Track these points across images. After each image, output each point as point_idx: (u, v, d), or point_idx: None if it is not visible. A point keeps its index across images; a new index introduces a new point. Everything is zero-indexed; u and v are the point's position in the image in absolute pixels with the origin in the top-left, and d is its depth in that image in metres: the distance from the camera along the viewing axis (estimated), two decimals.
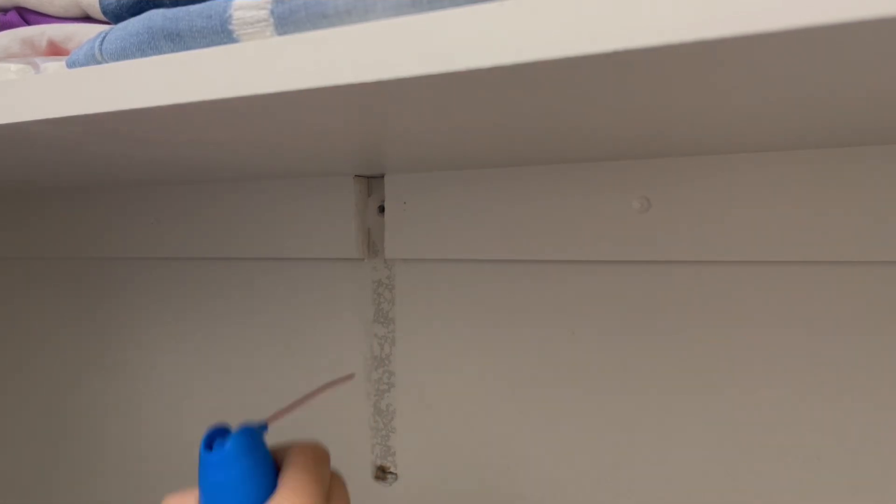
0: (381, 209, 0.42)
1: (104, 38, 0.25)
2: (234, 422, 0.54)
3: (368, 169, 0.40)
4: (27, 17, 0.34)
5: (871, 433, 0.32)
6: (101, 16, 0.31)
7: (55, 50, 0.33)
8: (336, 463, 0.45)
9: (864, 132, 0.27)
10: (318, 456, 0.25)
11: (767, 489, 0.34)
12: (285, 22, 0.21)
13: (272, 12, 0.21)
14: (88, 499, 0.55)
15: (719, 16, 0.14)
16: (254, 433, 0.24)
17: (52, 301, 0.56)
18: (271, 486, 0.23)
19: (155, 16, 0.24)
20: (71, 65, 0.26)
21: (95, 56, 0.25)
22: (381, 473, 0.44)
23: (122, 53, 0.24)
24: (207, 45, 0.22)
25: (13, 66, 0.29)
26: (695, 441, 0.35)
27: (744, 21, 0.14)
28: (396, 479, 0.43)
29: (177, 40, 0.23)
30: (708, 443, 0.35)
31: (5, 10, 0.35)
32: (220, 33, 0.22)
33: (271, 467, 0.24)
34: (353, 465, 0.44)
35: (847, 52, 0.16)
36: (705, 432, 0.35)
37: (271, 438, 0.24)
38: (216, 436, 0.24)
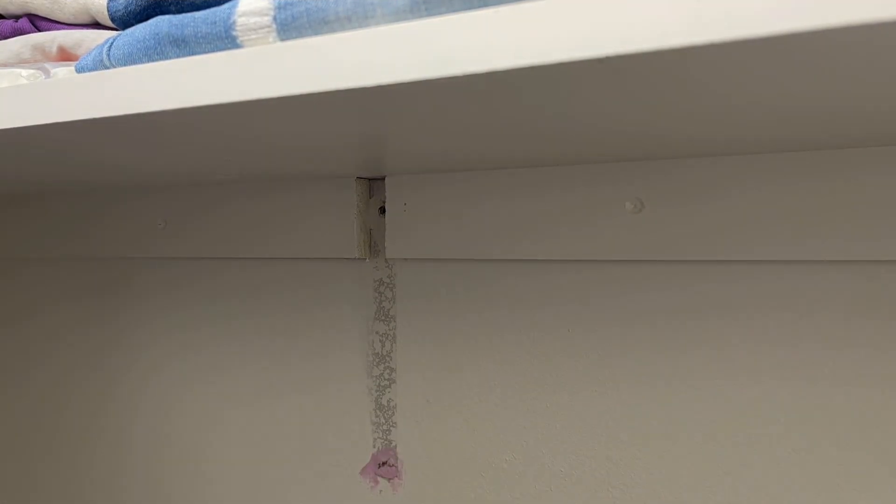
0: (382, 210, 0.43)
1: (112, 43, 0.26)
2: (238, 417, 0.55)
3: (370, 171, 0.40)
4: (38, 23, 0.35)
5: (870, 432, 0.32)
6: (109, 22, 0.32)
7: (65, 55, 0.33)
8: (338, 457, 0.46)
9: (858, 135, 0.28)
10: None
11: (766, 488, 0.34)
12: (287, 28, 0.22)
13: (275, 18, 0.22)
14: (91, 498, 0.55)
15: (710, 21, 0.15)
16: None
17: (59, 300, 0.57)
18: None
19: (161, 22, 0.24)
20: (80, 70, 0.27)
21: (104, 61, 0.26)
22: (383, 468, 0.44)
23: (130, 59, 0.25)
24: (212, 51, 0.22)
25: (24, 72, 0.30)
26: (692, 440, 0.36)
27: (734, 26, 0.15)
28: (398, 473, 0.43)
29: (182, 46, 0.24)
30: (705, 442, 0.35)
31: (17, 17, 0.36)
32: (225, 39, 0.23)
33: None
34: (354, 460, 0.45)
35: (839, 56, 0.16)
36: (701, 431, 0.35)
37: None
38: None
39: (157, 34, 0.24)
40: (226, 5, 0.23)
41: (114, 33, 0.29)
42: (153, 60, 0.24)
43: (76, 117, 0.23)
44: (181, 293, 0.51)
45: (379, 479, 0.44)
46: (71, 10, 0.34)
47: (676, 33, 0.15)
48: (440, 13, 0.19)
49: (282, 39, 0.22)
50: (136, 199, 0.50)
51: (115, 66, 0.25)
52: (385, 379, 0.44)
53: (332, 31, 0.21)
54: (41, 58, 0.33)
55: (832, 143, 0.30)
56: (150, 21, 0.25)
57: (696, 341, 0.35)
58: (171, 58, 0.23)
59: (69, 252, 0.54)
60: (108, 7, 0.26)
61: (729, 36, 0.15)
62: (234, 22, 0.23)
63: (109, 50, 0.25)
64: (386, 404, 0.44)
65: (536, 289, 0.39)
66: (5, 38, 0.36)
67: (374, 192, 0.43)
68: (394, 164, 0.37)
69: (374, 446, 0.44)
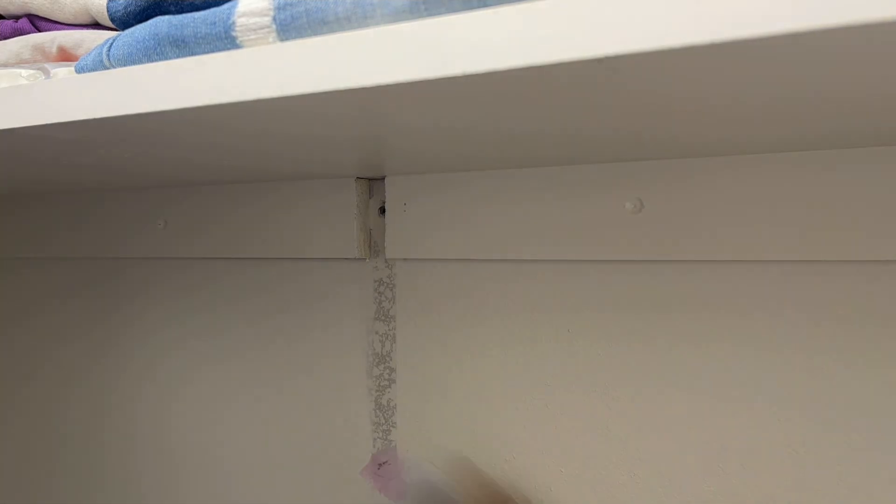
0: (382, 210, 0.43)
1: (112, 44, 0.26)
2: (238, 417, 0.55)
3: (370, 171, 0.41)
4: (38, 23, 0.35)
5: (870, 432, 0.32)
6: (109, 22, 0.32)
7: (65, 56, 0.34)
8: (338, 458, 0.46)
9: (858, 135, 0.28)
10: None
11: (766, 486, 0.34)
12: (287, 28, 0.22)
13: (274, 19, 0.22)
14: (93, 499, 0.55)
15: (710, 21, 0.15)
16: None
17: (59, 300, 0.57)
18: None
19: (161, 23, 0.24)
20: (80, 70, 0.27)
21: (103, 62, 0.26)
22: None
23: (130, 59, 0.25)
24: (212, 51, 0.22)
25: (24, 72, 0.30)
26: (692, 439, 0.36)
27: (734, 26, 0.15)
28: (398, 473, 0.43)
29: (182, 46, 0.24)
30: (705, 441, 0.35)
31: (17, 17, 0.36)
32: (224, 39, 0.23)
33: None
34: (354, 460, 0.45)
35: (839, 56, 0.16)
36: (701, 431, 0.35)
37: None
38: None
39: (157, 35, 0.24)
40: (225, 6, 0.23)
41: (114, 33, 0.29)
42: (153, 61, 0.24)
43: (76, 117, 0.23)
44: (181, 293, 0.51)
45: (379, 478, 0.44)
46: (71, 11, 0.34)
47: (676, 33, 0.15)
48: (440, 13, 0.19)
49: (281, 40, 0.22)
50: (136, 199, 0.51)
51: (114, 67, 0.25)
52: (385, 379, 0.44)
53: (332, 31, 0.21)
54: (41, 58, 0.33)
55: (832, 143, 0.30)
56: (150, 21, 0.25)
57: (696, 341, 0.35)
58: (170, 58, 0.23)
59: (69, 252, 0.54)
60: (107, 7, 0.27)
61: (729, 36, 0.15)
62: (233, 22, 0.23)
63: (109, 50, 0.25)
64: (386, 404, 0.44)
65: (536, 289, 0.39)
66: (5, 38, 0.36)
67: (374, 192, 0.43)
68: (394, 164, 0.37)
69: (374, 446, 0.44)
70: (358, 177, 0.42)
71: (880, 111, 0.23)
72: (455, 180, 0.40)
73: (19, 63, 0.34)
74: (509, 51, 0.17)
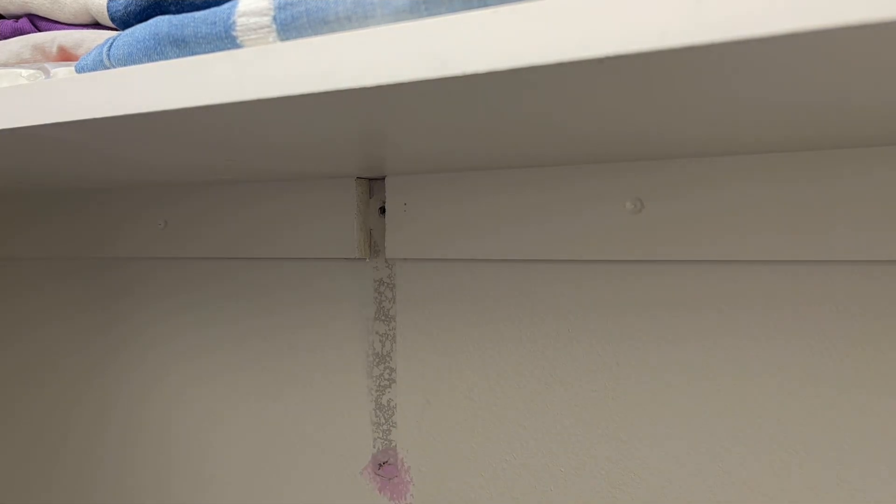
0: (382, 210, 0.43)
1: (112, 43, 0.26)
2: (238, 417, 0.55)
3: (370, 171, 0.41)
4: (38, 23, 0.35)
5: (870, 432, 0.32)
6: (109, 22, 0.32)
7: (65, 55, 0.34)
8: (338, 458, 0.46)
9: (858, 135, 0.28)
10: None
11: (765, 486, 0.34)
12: (287, 28, 0.22)
13: (275, 18, 0.22)
14: (93, 498, 0.55)
15: (710, 21, 0.15)
16: None
17: (59, 300, 0.57)
18: None
19: (161, 22, 0.24)
20: (80, 70, 0.27)
21: (104, 61, 0.26)
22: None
23: (130, 59, 0.25)
24: (212, 51, 0.22)
25: (24, 72, 0.30)
26: (692, 440, 0.36)
27: (734, 26, 0.15)
28: (397, 473, 0.43)
29: (182, 46, 0.24)
30: (705, 441, 0.35)
31: (17, 17, 0.36)
32: (224, 39, 0.23)
33: None
34: (354, 460, 0.45)
35: (839, 56, 0.16)
36: (701, 431, 0.35)
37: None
38: None
39: (157, 34, 0.24)
40: (226, 5, 0.23)
41: (114, 33, 0.29)
42: (153, 60, 0.24)
43: (76, 117, 0.23)
44: (181, 293, 0.51)
45: (379, 478, 0.44)
46: (71, 10, 0.34)
47: (676, 33, 0.15)
48: (440, 13, 0.19)
49: (282, 40, 0.22)
50: (136, 199, 0.51)
51: (115, 67, 0.25)
52: (385, 379, 0.44)
53: (332, 31, 0.21)
54: (41, 58, 0.33)
55: (832, 143, 0.30)
56: (150, 21, 0.25)
57: (696, 341, 0.35)
58: (171, 58, 0.23)
59: (69, 252, 0.54)
60: (107, 7, 0.27)
61: (729, 36, 0.15)
62: (233, 22, 0.23)
63: (109, 50, 0.25)
64: (386, 404, 0.44)
65: (536, 289, 0.39)
66: (5, 38, 0.36)
67: (374, 192, 0.43)
68: (394, 164, 0.37)
69: (374, 446, 0.44)
70: (358, 177, 0.42)
71: (881, 111, 0.23)
72: (455, 180, 0.40)
73: (19, 63, 0.34)
74: (509, 51, 0.17)
